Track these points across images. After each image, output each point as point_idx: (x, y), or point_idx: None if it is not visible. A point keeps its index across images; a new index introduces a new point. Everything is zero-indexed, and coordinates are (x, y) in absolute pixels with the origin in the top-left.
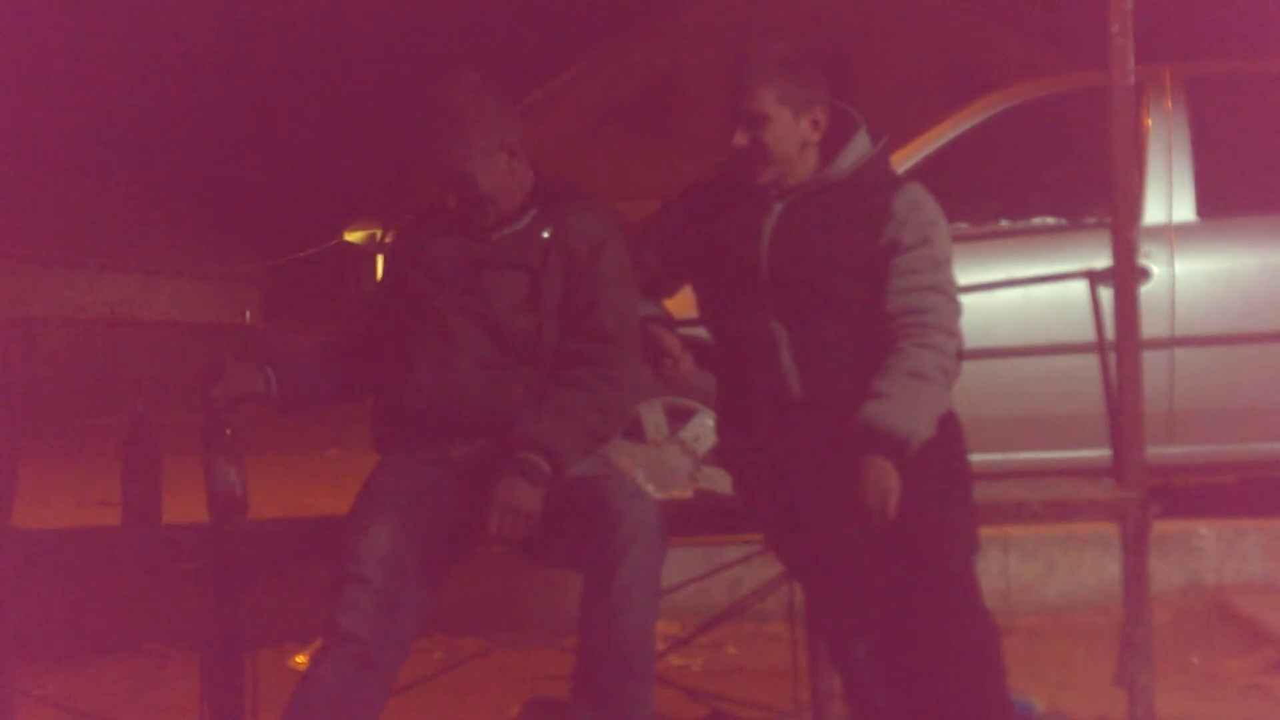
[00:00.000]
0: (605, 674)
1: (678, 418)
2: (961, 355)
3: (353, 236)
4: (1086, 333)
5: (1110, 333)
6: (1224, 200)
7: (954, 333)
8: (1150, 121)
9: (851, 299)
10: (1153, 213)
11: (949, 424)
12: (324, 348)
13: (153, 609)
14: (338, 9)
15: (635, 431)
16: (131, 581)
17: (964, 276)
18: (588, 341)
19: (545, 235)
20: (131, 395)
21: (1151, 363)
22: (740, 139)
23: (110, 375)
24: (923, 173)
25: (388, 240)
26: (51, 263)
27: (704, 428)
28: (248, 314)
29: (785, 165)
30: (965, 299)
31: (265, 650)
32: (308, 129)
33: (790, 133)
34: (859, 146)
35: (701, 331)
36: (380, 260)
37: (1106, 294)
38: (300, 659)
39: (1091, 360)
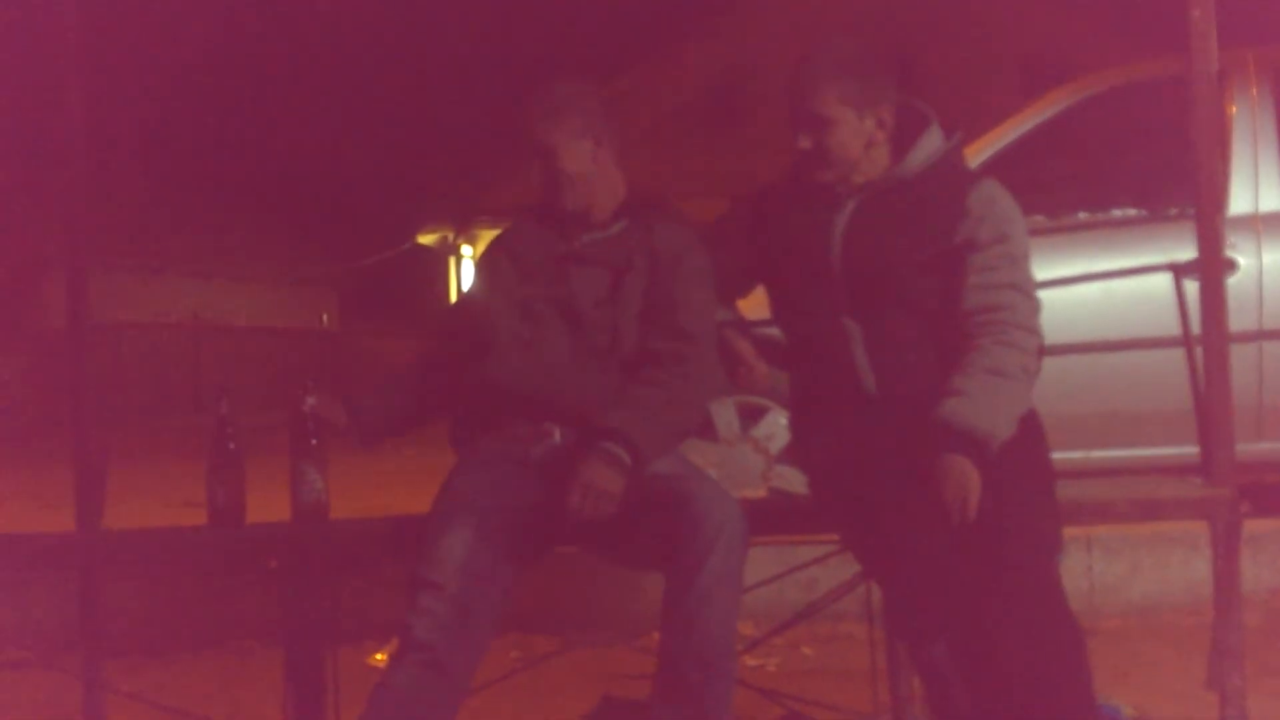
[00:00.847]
0: (687, 674)
1: (750, 416)
2: (1042, 352)
3: (426, 240)
4: (1170, 327)
5: (1196, 326)
6: None
7: (1034, 330)
8: (1234, 109)
9: (925, 295)
10: (1238, 202)
11: (1030, 422)
12: (407, 370)
13: (238, 606)
14: (411, 15)
15: (707, 431)
16: (217, 580)
17: (1042, 271)
18: (669, 341)
19: (632, 241)
20: (214, 398)
21: (1239, 357)
22: (803, 142)
23: (194, 379)
24: (999, 165)
25: (463, 243)
26: (137, 270)
27: (777, 426)
28: (325, 318)
29: (850, 166)
30: (1045, 294)
31: (346, 647)
32: (381, 134)
33: (854, 133)
34: (931, 142)
35: (774, 331)
36: (454, 263)
37: (1191, 287)
38: (380, 656)
39: (1177, 355)
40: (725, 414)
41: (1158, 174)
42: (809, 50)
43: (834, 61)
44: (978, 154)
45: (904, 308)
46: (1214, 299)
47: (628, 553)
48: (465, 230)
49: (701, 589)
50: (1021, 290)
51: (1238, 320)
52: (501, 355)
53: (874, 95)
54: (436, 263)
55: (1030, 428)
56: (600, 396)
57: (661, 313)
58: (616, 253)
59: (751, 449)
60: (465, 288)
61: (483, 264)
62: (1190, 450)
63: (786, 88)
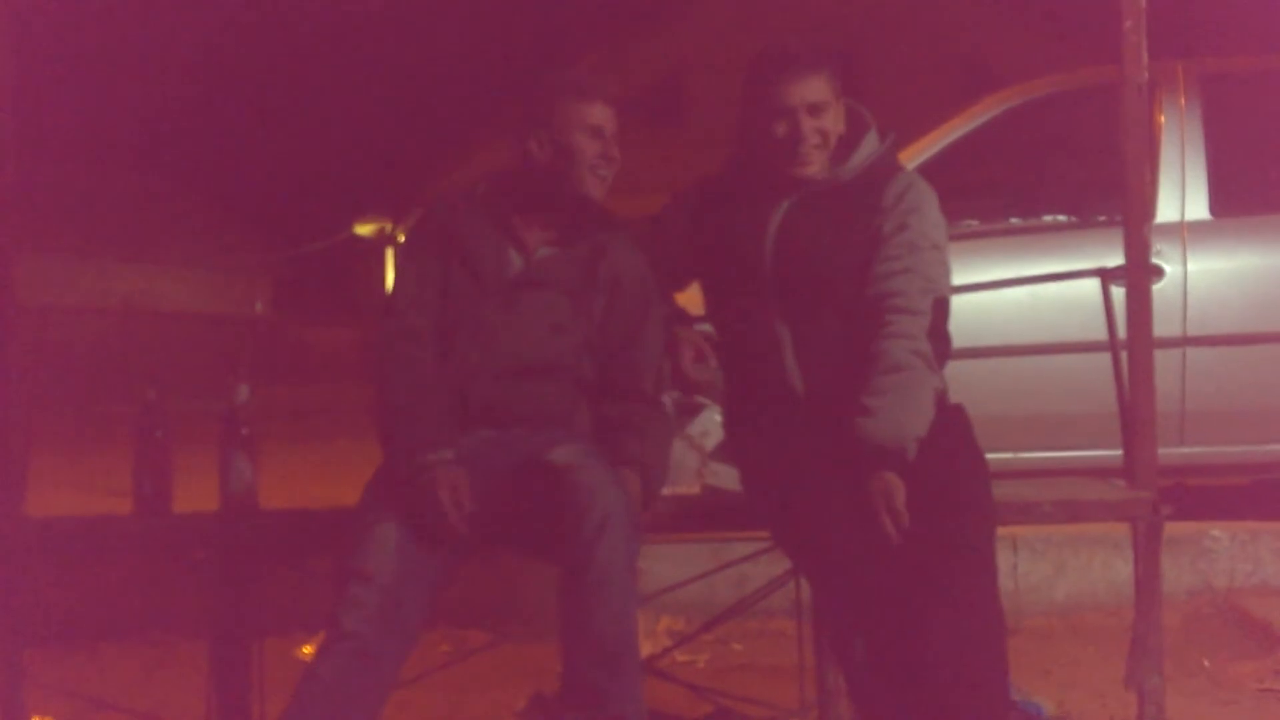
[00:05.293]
0: (590, 671)
1: (685, 413)
2: (941, 335)
3: (362, 230)
4: (1098, 331)
5: (1122, 332)
6: (1237, 198)
7: (919, 311)
8: (1163, 118)
9: (853, 297)
10: (1165, 210)
11: (960, 420)
12: (430, 388)
13: (162, 597)
14: (345, 6)
15: None
16: (141, 570)
17: (974, 275)
18: (637, 402)
19: (585, 262)
20: (142, 385)
21: (1163, 362)
22: (808, 127)
23: (121, 365)
24: (932, 170)
25: (399, 233)
26: (65, 253)
27: (711, 423)
28: (258, 305)
29: (825, 157)
30: (977, 297)
31: (273, 640)
32: (317, 122)
33: (837, 123)
34: (869, 146)
35: (707, 328)
36: (390, 253)
37: (1118, 293)
38: (307, 649)
39: (1103, 359)
40: None
41: (1087, 181)
42: (770, 43)
43: (816, 49)
44: (913, 158)
45: (833, 310)
46: (1140, 305)
47: (535, 548)
48: (402, 221)
49: (591, 584)
50: (913, 272)
51: (1162, 326)
52: (458, 373)
53: (841, 90)
54: (372, 253)
55: (961, 426)
56: (556, 405)
57: (628, 351)
58: (571, 277)
59: (686, 446)
60: (408, 276)
61: (428, 259)
62: (1114, 453)
63: (769, 74)
